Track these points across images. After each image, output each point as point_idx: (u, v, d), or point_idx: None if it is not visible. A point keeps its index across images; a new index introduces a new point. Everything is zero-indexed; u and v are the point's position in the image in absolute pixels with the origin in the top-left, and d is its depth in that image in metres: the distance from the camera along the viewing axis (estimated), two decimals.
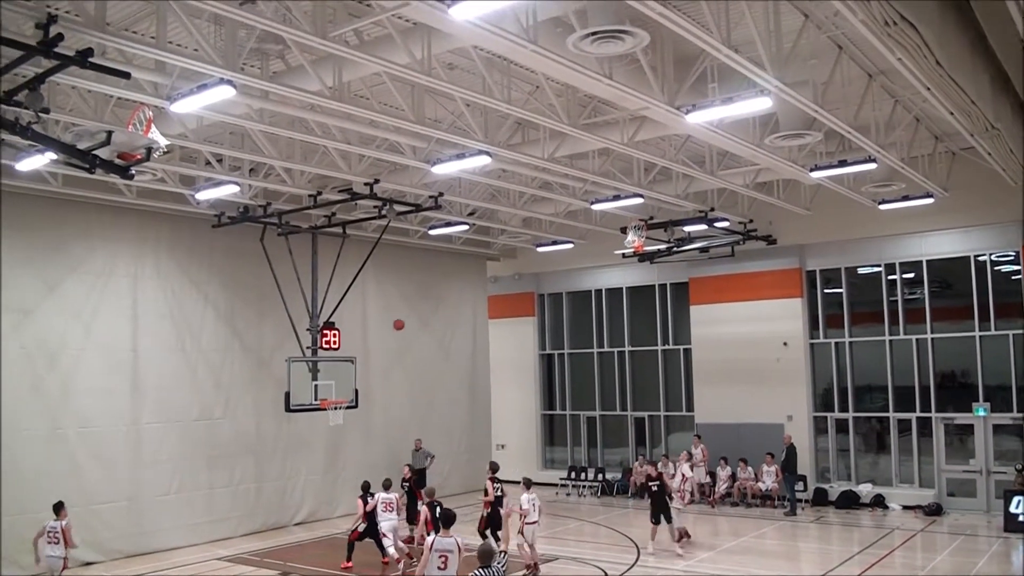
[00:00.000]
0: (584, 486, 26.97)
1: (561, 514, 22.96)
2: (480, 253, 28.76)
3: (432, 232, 23.90)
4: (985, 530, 20.12)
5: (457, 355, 27.88)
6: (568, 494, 26.79)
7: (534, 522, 16.39)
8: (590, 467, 27.72)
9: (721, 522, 21.92)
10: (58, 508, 14.37)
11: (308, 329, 20.06)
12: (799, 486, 23.03)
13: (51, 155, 13.21)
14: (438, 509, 14.11)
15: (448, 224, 23.20)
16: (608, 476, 27.09)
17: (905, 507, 22.33)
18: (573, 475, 27.43)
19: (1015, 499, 19.86)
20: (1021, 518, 19.62)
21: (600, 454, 28.72)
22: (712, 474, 24.28)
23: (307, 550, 19.48)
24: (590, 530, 21.49)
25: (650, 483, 18.43)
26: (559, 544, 19.31)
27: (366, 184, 17.95)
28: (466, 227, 23.70)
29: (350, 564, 17.23)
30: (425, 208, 19.56)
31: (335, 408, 19.43)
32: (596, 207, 20.71)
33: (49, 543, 14.10)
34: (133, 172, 10.94)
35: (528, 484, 16.89)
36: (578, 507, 24.84)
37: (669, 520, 18.02)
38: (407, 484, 19.73)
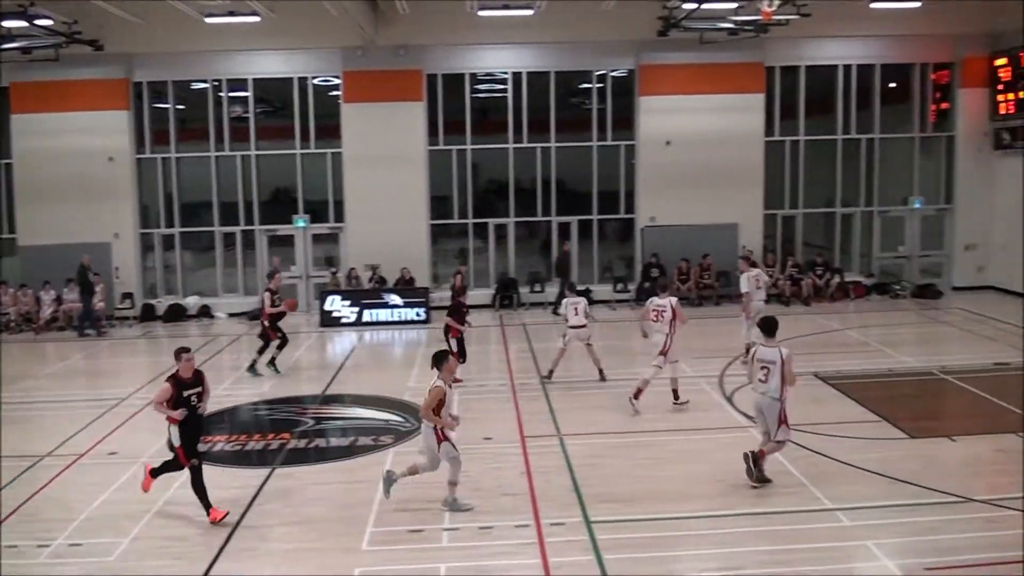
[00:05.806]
0: None
1: None
2: None
3: None
4: (307, 327, 22.11)
5: None
6: None
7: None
8: None
9: (48, 348, 20.63)
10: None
11: None
12: (126, 303, 23.17)
13: None
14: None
15: None
16: None
17: (231, 315, 23.40)
18: None
19: (329, 298, 22.18)
20: (334, 315, 22.04)
21: None
22: (38, 299, 22.50)
23: None
24: None
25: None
26: None
27: None
28: None
29: None
30: None
31: None
32: None
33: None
34: None
35: None
36: None
37: None
38: None
